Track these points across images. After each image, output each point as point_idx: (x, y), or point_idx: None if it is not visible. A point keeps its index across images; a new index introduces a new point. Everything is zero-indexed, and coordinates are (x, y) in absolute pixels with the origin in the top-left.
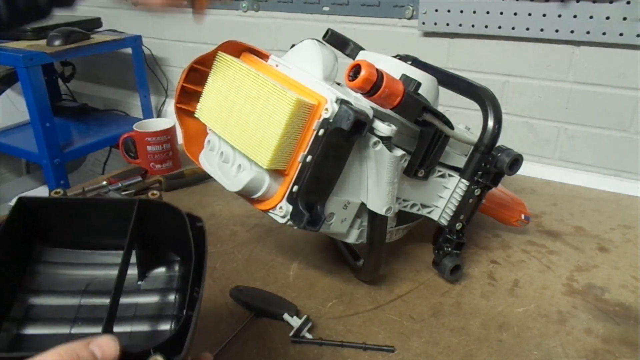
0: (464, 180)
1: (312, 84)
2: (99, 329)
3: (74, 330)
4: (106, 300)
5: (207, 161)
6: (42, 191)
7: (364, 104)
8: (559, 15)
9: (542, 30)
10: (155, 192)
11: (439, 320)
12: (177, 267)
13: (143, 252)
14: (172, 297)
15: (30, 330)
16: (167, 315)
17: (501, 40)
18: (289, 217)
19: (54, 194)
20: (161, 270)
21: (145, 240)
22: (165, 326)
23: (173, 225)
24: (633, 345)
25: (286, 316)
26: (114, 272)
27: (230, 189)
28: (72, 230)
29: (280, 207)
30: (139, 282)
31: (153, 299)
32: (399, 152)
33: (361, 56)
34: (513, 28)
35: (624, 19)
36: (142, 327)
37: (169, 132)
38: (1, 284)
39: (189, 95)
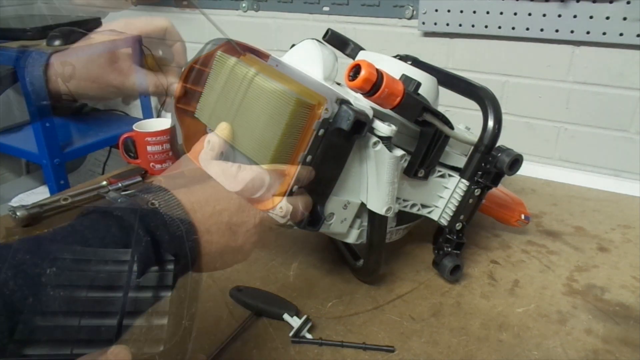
0: (464, 181)
1: (312, 84)
2: (104, 322)
3: (83, 323)
4: (109, 295)
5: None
6: (42, 191)
7: (364, 104)
8: (559, 15)
9: (542, 30)
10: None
11: (439, 320)
12: (171, 266)
13: (141, 251)
14: (167, 294)
15: (43, 322)
16: (163, 312)
17: (501, 40)
18: (289, 217)
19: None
20: (155, 268)
21: (143, 239)
22: (162, 321)
23: (170, 229)
24: (633, 345)
25: (286, 316)
26: (115, 268)
27: (230, 189)
28: None
29: (281, 207)
30: (138, 280)
31: (149, 294)
32: (399, 152)
33: (361, 56)
34: (513, 28)
35: (624, 19)
36: (141, 323)
37: (169, 132)
38: None
39: (189, 95)
